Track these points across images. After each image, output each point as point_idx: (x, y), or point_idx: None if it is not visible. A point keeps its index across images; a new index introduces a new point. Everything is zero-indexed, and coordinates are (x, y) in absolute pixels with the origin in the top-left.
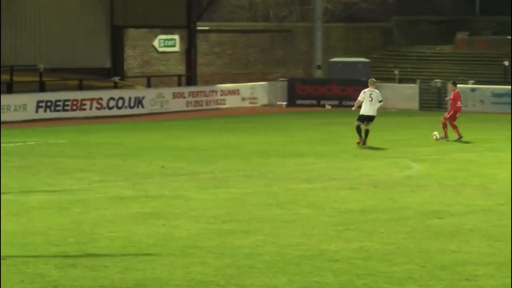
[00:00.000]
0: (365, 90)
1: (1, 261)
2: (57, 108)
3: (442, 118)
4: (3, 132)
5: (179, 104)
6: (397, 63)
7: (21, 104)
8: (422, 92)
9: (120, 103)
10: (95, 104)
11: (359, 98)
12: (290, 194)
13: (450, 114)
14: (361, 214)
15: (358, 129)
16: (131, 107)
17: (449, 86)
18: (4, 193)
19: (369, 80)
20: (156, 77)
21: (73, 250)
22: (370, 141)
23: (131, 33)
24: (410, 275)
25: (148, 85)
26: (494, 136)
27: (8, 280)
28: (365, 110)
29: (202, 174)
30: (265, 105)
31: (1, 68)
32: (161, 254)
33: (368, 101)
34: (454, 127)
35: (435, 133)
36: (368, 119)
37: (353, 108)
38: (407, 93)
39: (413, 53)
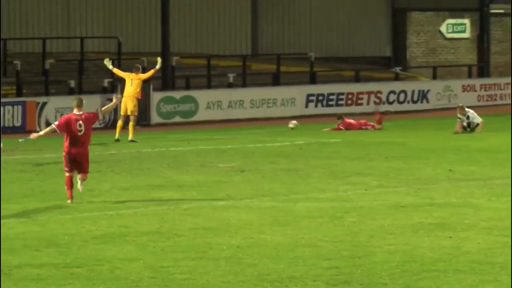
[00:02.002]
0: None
1: (266, 277)
2: (330, 103)
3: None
4: (268, 130)
5: (469, 98)
6: None
7: (289, 98)
8: None
9: (401, 97)
10: (373, 98)
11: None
12: None
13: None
14: None
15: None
16: (414, 102)
17: None
18: (270, 199)
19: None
20: (443, 67)
21: (347, 265)
22: None
23: (415, 16)
24: None
25: (434, 77)
26: None
27: None
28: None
29: (496, 179)
30: None
31: (267, 57)
32: (447, 270)
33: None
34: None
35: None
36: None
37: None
38: None
39: None
